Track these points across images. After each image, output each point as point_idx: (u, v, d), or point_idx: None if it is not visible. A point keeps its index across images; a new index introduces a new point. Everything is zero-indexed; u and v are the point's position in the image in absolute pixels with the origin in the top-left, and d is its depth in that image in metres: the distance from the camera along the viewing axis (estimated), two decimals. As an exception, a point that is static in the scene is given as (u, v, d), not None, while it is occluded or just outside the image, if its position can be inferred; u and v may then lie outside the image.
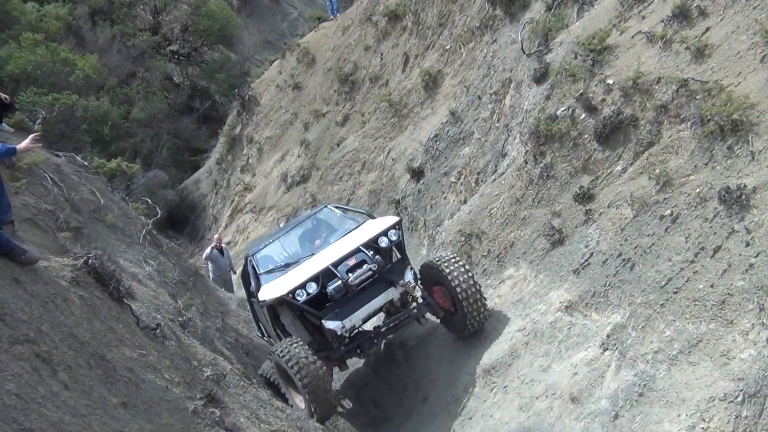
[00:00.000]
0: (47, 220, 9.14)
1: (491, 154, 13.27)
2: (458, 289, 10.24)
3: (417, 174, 16.06)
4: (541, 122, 10.92)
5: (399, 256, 11.23)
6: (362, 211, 14.03)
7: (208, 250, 18.00)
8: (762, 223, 7.48)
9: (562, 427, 8.34)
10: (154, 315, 8.60)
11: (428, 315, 11.16)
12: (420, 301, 11.06)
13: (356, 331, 10.78)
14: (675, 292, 7.93)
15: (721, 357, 7.07)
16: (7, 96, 12.05)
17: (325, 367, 10.00)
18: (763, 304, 6.94)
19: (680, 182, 8.69)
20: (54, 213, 9.47)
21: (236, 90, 29.48)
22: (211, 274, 17.59)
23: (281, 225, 16.58)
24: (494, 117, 13.70)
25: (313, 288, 10.31)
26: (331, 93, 22.73)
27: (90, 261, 7.15)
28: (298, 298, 10.30)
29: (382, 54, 21.20)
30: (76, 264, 7.06)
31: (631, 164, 9.65)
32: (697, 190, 8.38)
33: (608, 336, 8.53)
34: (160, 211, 14.99)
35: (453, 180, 14.56)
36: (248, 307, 13.17)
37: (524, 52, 12.71)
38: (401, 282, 10.54)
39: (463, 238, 12.01)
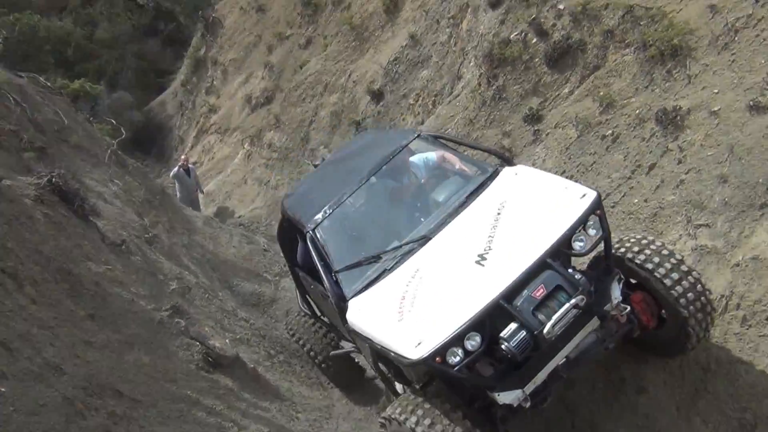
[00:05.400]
0: (11, 140, 9.16)
1: (448, 76, 13.53)
2: (678, 302, 6.02)
3: (377, 96, 16.29)
4: (494, 46, 11.15)
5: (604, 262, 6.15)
6: (481, 146, 8.96)
7: (175, 169, 18.29)
8: (693, 142, 7.89)
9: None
10: (120, 232, 8.85)
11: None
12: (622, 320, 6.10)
13: None
14: (612, 206, 8.34)
15: (651, 266, 7.52)
16: (-33, 17, 12.08)
17: None
18: (690, 217, 7.40)
19: (622, 104, 9.04)
20: (17, 133, 9.47)
21: (200, 12, 29.06)
22: (178, 194, 17.83)
23: (317, 161, 10.01)
24: (451, 41, 13.89)
25: (475, 342, 5.52)
26: (295, 16, 22.58)
27: (54, 180, 7.38)
28: (451, 360, 5.48)
29: (344, -24, 21.09)
30: (40, 183, 7.26)
31: (578, 87, 9.97)
32: (637, 111, 8.75)
33: (549, 248, 8.97)
34: (125, 132, 15.14)
35: (411, 102, 14.82)
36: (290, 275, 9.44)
37: (481, -23, 12.83)
38: (610, 308, 5.83)
39: (419, 158, 12.26)
